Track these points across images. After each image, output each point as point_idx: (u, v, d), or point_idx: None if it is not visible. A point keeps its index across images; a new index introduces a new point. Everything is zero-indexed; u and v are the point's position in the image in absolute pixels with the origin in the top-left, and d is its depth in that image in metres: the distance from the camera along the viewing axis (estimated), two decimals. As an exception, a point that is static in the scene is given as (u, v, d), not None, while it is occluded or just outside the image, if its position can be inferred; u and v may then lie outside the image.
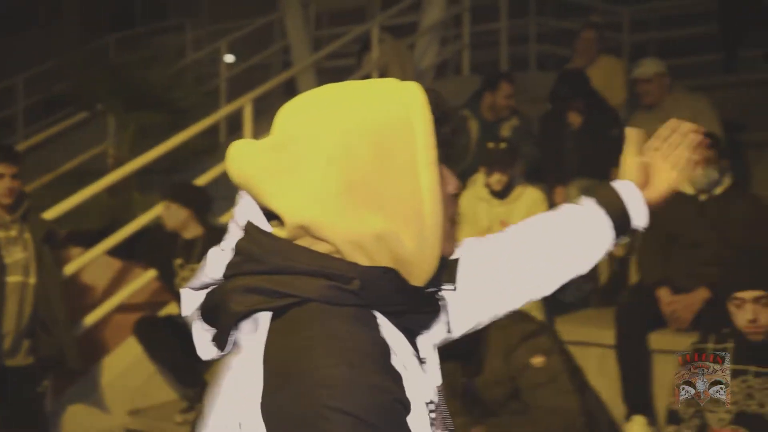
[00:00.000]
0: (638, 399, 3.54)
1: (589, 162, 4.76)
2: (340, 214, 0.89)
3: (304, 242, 0.91)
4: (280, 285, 0.88)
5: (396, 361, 0.88)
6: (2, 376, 3.47)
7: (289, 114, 0.96)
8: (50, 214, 4.01)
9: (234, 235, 0.96)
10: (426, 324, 0.99)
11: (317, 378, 0.82)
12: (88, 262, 4.20)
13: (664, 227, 3.84)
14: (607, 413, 3.34)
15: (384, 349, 0.87)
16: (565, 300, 4.42)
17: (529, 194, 4.14)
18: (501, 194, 4.13)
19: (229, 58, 8.68)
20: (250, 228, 0.93)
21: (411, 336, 0.96)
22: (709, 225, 3.71)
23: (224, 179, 4.79)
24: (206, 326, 0.94)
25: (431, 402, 0.94)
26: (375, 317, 0.90)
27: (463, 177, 4.79)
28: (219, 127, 6.77)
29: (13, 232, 3.56)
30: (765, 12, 6.53)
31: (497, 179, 4.08)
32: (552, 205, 4.51)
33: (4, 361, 3.48)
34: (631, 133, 1.29)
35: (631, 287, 4.14)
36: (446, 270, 1.01)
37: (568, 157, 4.86)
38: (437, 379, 1.02)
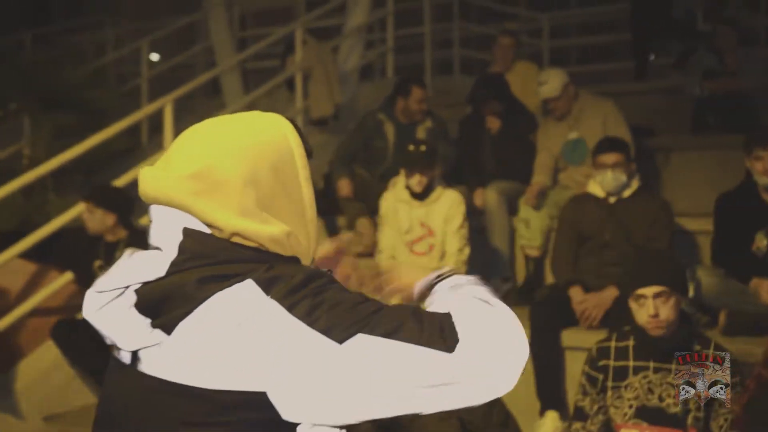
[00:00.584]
0: (551, 395, 3.67)
1: (507, 165, 4.90)
2: (260, 221, 1.16)
3: (238, 240, 1.16)
4: (232, 271, 1.11)
5: None
6: None
7: (193, 144, 1.18)
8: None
9: (158, 241, 1.16)
10: None
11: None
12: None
13: (576, 228, 4.00)
14: (512, 421, 3.33)
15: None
16: (484, 300, 4.54)
17: (448, 196, 4.23)
18: (421, 196, 4.22)
19: (154, 57, 8.56)
20: (191, 232, 1.15)
21: None
22: (618, 226, 3.88)
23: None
24: (143, 318, 1.12)
25: None
26: None
27: (383, 179, 4.86)
28: (141, 127, 6.67)
29: None
30: (674, 22, 6.82)
31: (417, 181, 4.17)
32: (471, 206, 4.63)
33: None
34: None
35: (546, 287, 4.28)
36: None
37: (487, 160, 4.98)
38: None
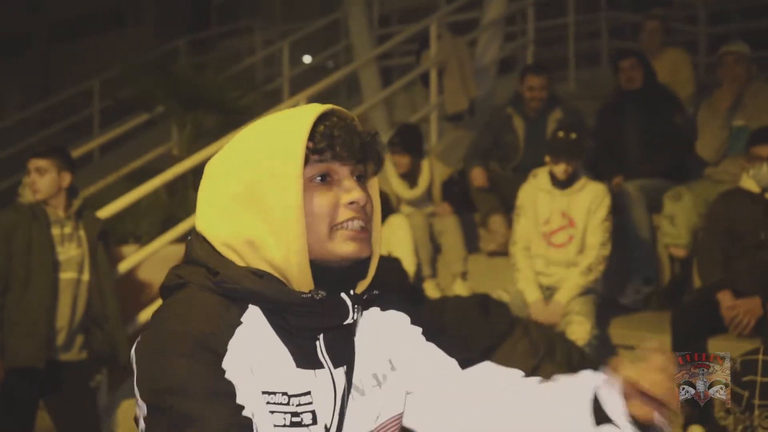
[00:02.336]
0: (695, 408, 3.37)
1: (651, 157, 4.59)
2: (213, 222, 1.13)
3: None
4: (179, 269, 1.14)
5: (216, 344, 1.04)
6: (56, 371, 3.55)
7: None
8: (106, 211, 4.09)
9: None
10: (315, 326, 1.12)
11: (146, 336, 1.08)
12: (143, 260, 4.28)
13: (727, 226, 3.66)
14: None
15: (208, 329, 1.04)
16: (623, 303, 4.27)
17: (592, 187, 4.01)
18: (564, 185, 4.02)
19: (306, 59, 8.77)
20: (192, 233, 1.19)
21: (303, 335, 1.11)
22: (775, 225, 3.51)
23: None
24: None
25: (276, 393, 1.07)
26: (238, 309, 1.09)
27: (515, 174, 4.69)
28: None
29: (68, 229, 3.63)
30: None
31: (563, 169, 3.98)
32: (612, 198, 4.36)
33: (59, 356, 3.56)
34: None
35: (693, 290, 3.96)
36: (348, 279, 1.15)
37: (629, 152, 4.69)
38: (331, 380, 1.13)
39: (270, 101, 6.63)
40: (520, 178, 4.31)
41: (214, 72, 5.85)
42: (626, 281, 4.33)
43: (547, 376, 2.81)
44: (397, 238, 4.47)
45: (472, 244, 4.96)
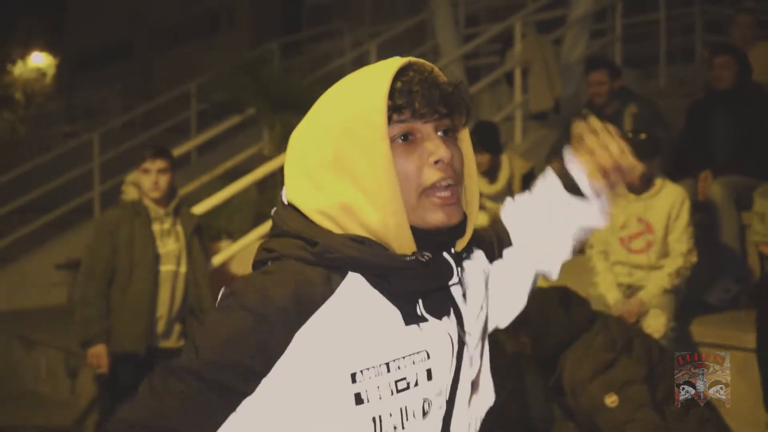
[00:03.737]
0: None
1: (742, 155, 4.50)
2: (305, 191, 1.08)
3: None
4: (269, 242, 1.10)
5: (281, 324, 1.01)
6: (156, 357, 3.78)
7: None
8: (201, 208, 4.33)
9: None
10: (421, 288, 1.08)
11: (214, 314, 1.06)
12: (235, 254, 4.51)
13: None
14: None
15: (286, 311, 1.01)
16: (710, 301, 4.21)
17: (670, 190, 3.93)
18: (638, 189, 3.97)
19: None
20: (279, 204, 1.14)
21: (406, 298, 1.08)
22: None
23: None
24: None
25: (372, 367, 1.04)
26: (338, 278, 1.04)
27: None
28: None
29: (167, 225, 3.88)
30: None
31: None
32: (696, 198, 4.31)
33: (159, 343, 3.81)
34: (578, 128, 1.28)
35: (782, 288, 3.87)
36: (448, 239, 1.11)
37: (718, 150, 4.61)
38: (439, 342, 1.10)
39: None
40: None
41: (302, 74, 6.05)
42: (714, 280, 4.27)
43: (623, 370, 2.85)
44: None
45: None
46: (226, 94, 6.29)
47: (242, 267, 4.77)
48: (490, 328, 1.28)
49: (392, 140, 1.05)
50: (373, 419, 1.03)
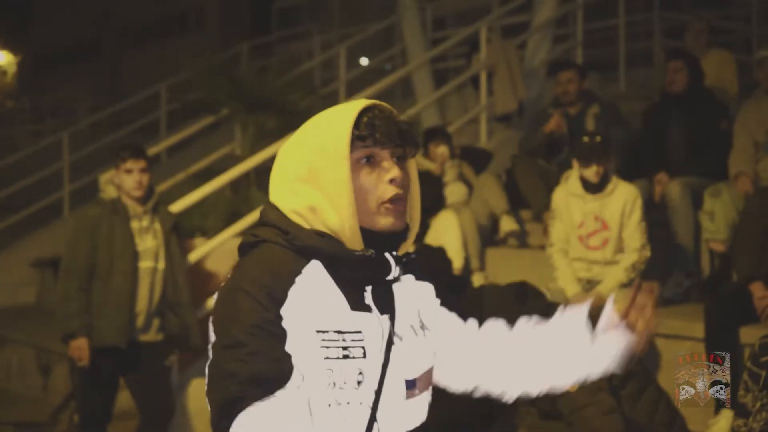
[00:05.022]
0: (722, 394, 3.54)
1: (695, 156, 4.74)
2: (284, 195, 1.42)
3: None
4: (255, 230, 1.42)
5: (278, 292, 1.32)
6: (136, 351, 3.90)
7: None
8: (175, 207, 4.45)
9: None
10: (364, 277, 1.39)
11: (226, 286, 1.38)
12: (210, 252, 4.62)
13: (763, 222, 3.81)
14: (679, 420, 3.24)
15: (273, 280, 1.33)
16: (664, 295, 4.43)
17: (623, 189, 4.15)
18: (595, 189, 4.17)
19: (363, 61, 9.07)
20: (266, 202, 1.47)
21: (354, 285, 1.38)
22: (807, 219, 3.66)
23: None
24: None
25: (329, 331, 1.33)
26: (303, 261, 1.36)
27: (561, 169, 4.89)
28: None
29: (145, 222, 3.99)
30: None
31: (594, 171, 4.11)
32: (651, 198, 4.54)
33: (138, 337, 3.92)
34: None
35: (730, 282, 4.11)
36: (392, 242, 1.42)
37: (674, 151, 4.84)
38: (377, 324, 1.39)
39: (327, 103, 6.95)
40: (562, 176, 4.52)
41: (276, 76, 6.17)
42: (668, 275, 4.50)
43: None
44: (446, 232, 4.73)
45: (522, 240, 5.21)
46: (200, 95, 6.39)
47: (218, 264, 4.89)
48: (437, 349, 1.53)
49: (358, 161, 1.37)
50: (330, 370, 1.31)
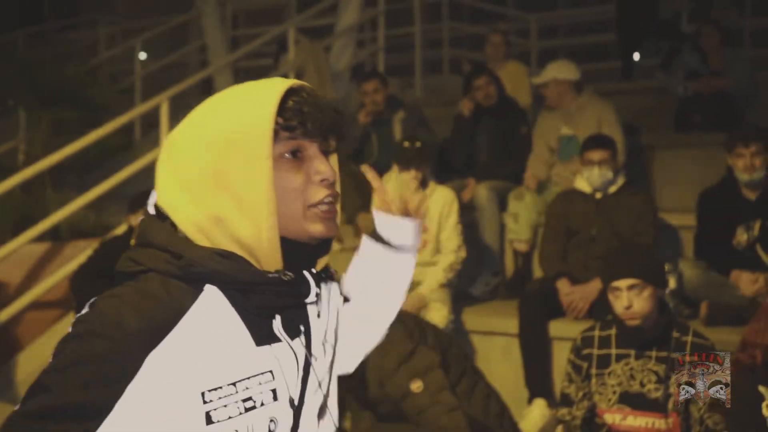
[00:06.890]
0: (539, 383, 3.78)
1: (498, 161, 5.02)
2: (179, 203, 1.09)
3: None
4: (135, 253, 1.09)
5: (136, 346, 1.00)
6: None
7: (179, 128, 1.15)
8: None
9: None
10: (277, 305, 1.12)
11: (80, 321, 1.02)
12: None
13: (564, 223, 4.12)
14: (506, 411, 3.41)
15: (136, 336, 1.00)
16: (474, 293, 4.65)
17: (441, 192, 4.28)
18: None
19: (142, 56, 8.63)
20: (146, 213, 1.14)
21: (263, 314, 1.11)
22: (604, 221, 4.00)
23: (138, 177, 4.82)
24: None
25: (222, 387, 1.05)
26: (194, 293, 1.06)
27: (380, 172, 4.96)
28: (134, 125, 6.75)
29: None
30: (659, 22, 6.96)
31: (413, 176, 4.21)
32: (461, 201, 4.74)
33: None
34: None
35: (535, 280, 4.40)
36: (314, 255, 1.18)
37: (480, 156, 5.10)
38: (294, 362, 1.15)
39: (121, 100, 6.54)
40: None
41: (75, 66, 5.68)
42: (477, 274, 4.72)
43: (423, 358, 3.10)
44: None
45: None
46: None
47: (7, 274, 4.42)
48: (339, 369, 1.35)
49: (280, 156, 1.09)
50: (235, 431, 1.05)
